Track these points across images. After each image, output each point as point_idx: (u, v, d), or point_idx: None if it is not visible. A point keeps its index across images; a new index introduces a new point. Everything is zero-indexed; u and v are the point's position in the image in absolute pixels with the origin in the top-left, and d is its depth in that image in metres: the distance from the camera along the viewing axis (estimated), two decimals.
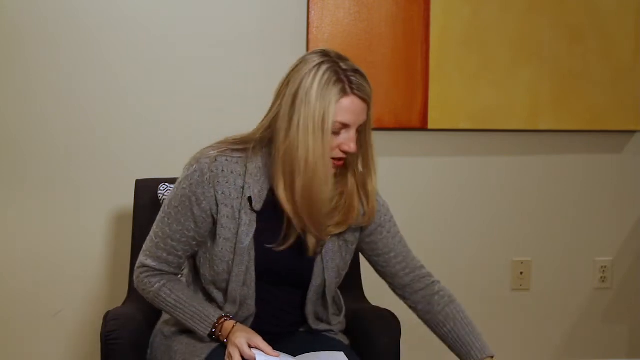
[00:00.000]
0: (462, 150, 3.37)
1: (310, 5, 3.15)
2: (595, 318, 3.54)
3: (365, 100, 2.09)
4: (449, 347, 2.32)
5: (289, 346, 2.24)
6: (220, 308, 2.21)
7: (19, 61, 3.02)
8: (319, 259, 2.23)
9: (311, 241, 2.18)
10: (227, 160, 2.15)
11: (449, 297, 2.34)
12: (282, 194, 2.12)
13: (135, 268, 2.26)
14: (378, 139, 3.23)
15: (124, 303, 2.63)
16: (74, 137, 3.07)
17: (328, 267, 2.25)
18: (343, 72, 2.08)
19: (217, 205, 2.15)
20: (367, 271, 2.86)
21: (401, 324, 2.45)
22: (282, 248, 2.17)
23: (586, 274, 3.52)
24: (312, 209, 2.10)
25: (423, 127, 3.27)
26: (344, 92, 2.06)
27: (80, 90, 3.06)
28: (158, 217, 2.23)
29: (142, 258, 2.25)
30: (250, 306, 2.21)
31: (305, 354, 2.21)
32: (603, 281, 3.53)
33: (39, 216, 3.08)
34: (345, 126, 2.08)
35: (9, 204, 3.06)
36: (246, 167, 2.16)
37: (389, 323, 2.43)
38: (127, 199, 2.85)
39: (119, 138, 3.09)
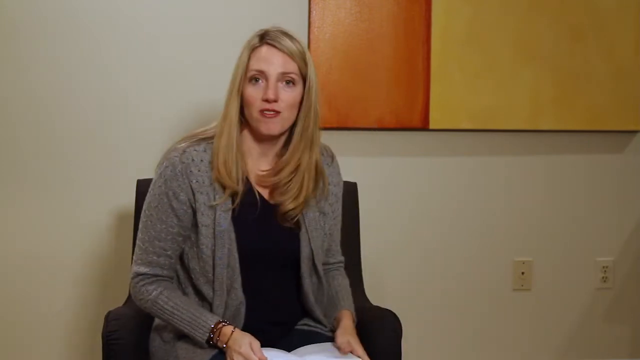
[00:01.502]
0: (464, 150, 3.36)
1: (312, 6, 3.15)
2: (597, 318, 3.53)
3: (284, 51, 2.21)
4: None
5: (285, 343, 2.27)
6: (210, 304, 2.23)
7: (20, 61, 3.02)
8: (303, 230, 2.30)
9: (282, 208, 2.27)
10: (195, 150, 2.23)
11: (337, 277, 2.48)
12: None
13: (130, 279, 2.28)
14: (380, 139, 3.27)
15: (125, 303, 2.63)
16: (75, 137, 3.06)
17: (313, 237, 2.32)
18: (265, 32, 2.24)
19: (193, 194, 2.21)
20: (368, 271, 2.86)
21: (402, 323, 2.44)
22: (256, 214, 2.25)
23: (588, 274, 3.51)
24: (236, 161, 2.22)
25: (424, 127, 3.26)
26: (259, 43, 2.23)
27: (81, 90, 3.06)
28: (140, 225, 2.28)
29: (134, 268, 2.27)
30: (237, 290, 2.23)
31: (301, 347, 2.25)
32: (604, 281, 3.52)
33: (40, 216, 3.07)
34: (262, 74, 2.20)
35: (9, 204, 3.05)
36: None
37: (391, 323, 2.43)
38: (128, 199, 2.84)
39: (120, 138, 3.09)
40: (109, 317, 2.33)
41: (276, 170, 2.28)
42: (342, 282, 2.46)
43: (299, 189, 2.28)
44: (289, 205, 2.27)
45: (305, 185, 2.29)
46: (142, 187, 2.75)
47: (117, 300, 2.75)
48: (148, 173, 2.81)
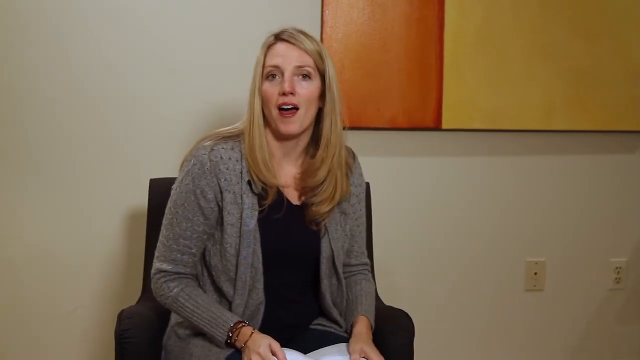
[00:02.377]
0: (476, 150, 3.36)
1: (324, 5, 3.15)
2: (610, 319, 3.53)
3: (298, 46, 2.24)
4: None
5: (301, 344, 2.26)
6: (230, 302, 2.23)
7: (33, 61, 3.02)
8: (324, 230, 2.30)
9: (316, 210, 2.27)
10: (223, 148, 2.23)
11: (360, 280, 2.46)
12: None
13: (152, 275, 2.28)
14: (392, 139, 3.27)
15: (137, 302, 2.64)
16: (89, 137, 3.07)
17: (334, 238, 2.32)
18: (280, 31, 2.28)
19: (221, 192, 2.21)
20: (381, 271, 2.86)
21: (415, 324, 2.45)
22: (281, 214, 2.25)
23: (601, 274, 3.50)
24: (264, 162, 2.22)
25: (437, 127, 3.26)
26: (274, 40, 2.26)
27: (94, 89, 3.06)
28: (164, 222, 2.27)
29: (157, 264, 2.27)
30: (259, 290, 2.23)
31: (316, 350, 2.25)
32: (617, 282, 3.51)
33: (54, 215, 3.08)
34: (277, 68, 2.22)
35: (22, 203, 3.06)
36: (241, 152, 2.24)
37: (404, 324, 2.43)
38: (141, 198, 2.85)
39: (133, 137, 3.10)
40: (122, 316, 2.34)
41: (311, 172, 2.28)
42: (364, 287, 2.44)
43: (334, 188, 2.29)
44: (325, 207, 2.28)
45: (339, 184, 2.30)
46: (155, 186, 2.76)
47: (130, 299, 2.76)
48: (161, 172, 2.82)
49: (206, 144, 2.24)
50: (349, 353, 2.21)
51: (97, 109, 3.07)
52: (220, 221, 2.23)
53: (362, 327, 2.31)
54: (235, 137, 2.27)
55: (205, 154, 2.21)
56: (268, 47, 2.26)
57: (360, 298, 2.40)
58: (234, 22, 3.12)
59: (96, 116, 3.07)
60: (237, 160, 2.23)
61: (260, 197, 2.24)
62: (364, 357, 2.19)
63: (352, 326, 2.34)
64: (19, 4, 2.99)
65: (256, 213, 2.22)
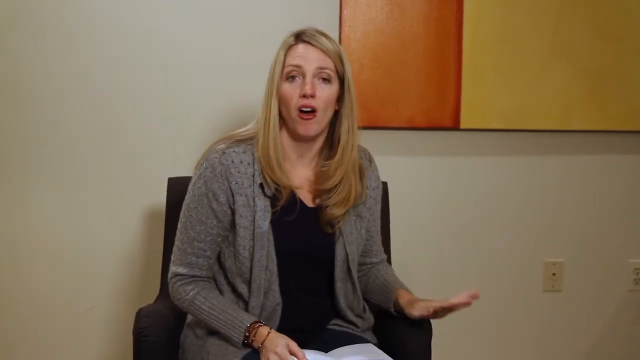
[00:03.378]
0: (494, 150, 3.35)
1: (343, 4, 3.15)
2: (628, 320, 3.51)
3: (320, 48, 2.23)
4: (376, 300, 2.45)
5: (318, 344, 2.26)
6: (246, 303, 2.23)
7: (49, 61, 3.03)
8: (339, 233, 2.30)
9: (330, 213, 2.26)
10: (235, 151, 2.23)
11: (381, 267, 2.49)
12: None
13: (169, 280, 2.29)
14: (410, 139, 3.27)
15: (155, 300, 2.64)
16: (106, 136, 3.08)
17: (348, 241, 2.32)
18: (301, 31, 2.26)
19: (232, 195, 2.21)
20: (398, 270, 2.86)
21: (432, 325, 2.44)
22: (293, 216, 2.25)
23: (619, 275, 3.48)
24: (278, 161, 2.22)
25: (455, 127, 3.25)
26: (294, 41, 2.25)
27: (112, 89, 3.07)
28: (179, 226, 2.28)
29: (173, 268, 2.28)
30: (275, 292, 2.23)
31: (336, 349, 2.24)
32: (637, 283, 3.50)
33: (72, 214, 3.09)
34: (298, 69, 2.21)
35: (40, 202, 3.07)
36: (253, 156, 2.24)
37: (420, 324, 2.42)
38: (159, 197, 2.86)
39: (151, 137, 3.10)
40: (140, 314, 2.34)
41: (327, 175, 2.28)
42: (388, 270, 2.48)
43: (348, 191, 2.28)
44: (338, 210, 2.27)
45: (354, 187, 2.29)
46: (173, 185, 2.76)
47: (148, 298, 2.76)
48: (179, 171, 2.83)
49: (218, 147, 2.25)
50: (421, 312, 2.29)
51: (113, 109, 3.08)
52: (233, 224, 2.24)
53: (410, 295, 2.36)
54: (248, 139, 2.27)
55: (216, 158, 2.22)
56: (289, 48, 2.25)
57: (390, 278, 2.44)
58: (252, 22, 3.12)
59: (113, 116, 3.08)
60: (248, 164, 2.23)
61: (273, 200, 2.24)
62: (434, 311, 2.26)
63: (394, 303, 2.36)
64: (32, 5, 3.01)
65: (269, 215, 2.22)
